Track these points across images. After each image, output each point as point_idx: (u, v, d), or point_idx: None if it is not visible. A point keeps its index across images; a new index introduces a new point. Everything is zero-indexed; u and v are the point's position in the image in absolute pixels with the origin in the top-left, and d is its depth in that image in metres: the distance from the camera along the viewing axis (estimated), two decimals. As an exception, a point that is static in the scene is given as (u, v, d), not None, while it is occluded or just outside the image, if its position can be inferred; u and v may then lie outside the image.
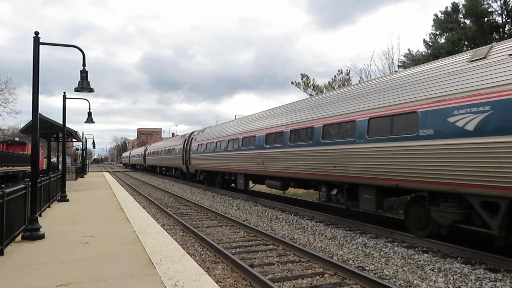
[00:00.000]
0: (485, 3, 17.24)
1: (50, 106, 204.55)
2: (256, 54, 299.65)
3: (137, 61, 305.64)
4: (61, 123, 16.52)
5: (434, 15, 19.44)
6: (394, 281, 6.61)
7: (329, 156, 11.67)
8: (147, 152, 54.04)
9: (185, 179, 33.17)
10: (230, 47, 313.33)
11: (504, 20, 17.40)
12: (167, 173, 43.03)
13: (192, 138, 28.90)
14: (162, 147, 42.62)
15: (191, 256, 7.25)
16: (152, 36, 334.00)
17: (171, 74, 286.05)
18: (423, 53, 19.75)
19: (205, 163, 24.84)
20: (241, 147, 18.28)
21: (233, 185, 23.43)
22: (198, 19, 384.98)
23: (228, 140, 20.29)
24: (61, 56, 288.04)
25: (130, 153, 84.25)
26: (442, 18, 18.93)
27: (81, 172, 38.33)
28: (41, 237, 7.92)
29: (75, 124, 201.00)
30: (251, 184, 19.78)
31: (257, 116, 18.47)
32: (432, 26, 19.69)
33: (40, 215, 10.39)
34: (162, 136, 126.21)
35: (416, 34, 73.02)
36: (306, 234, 10.67)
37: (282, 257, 8.30)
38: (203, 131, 27.10)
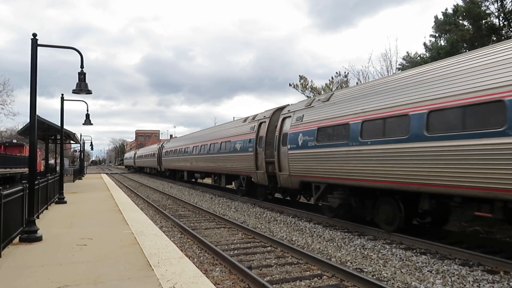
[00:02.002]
0: (483, 5, 17.29)
1: (50, 108, 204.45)
2: (257, 56, 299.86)
3: (137, 63, 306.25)
4: (59, 125, 16.53)
5: (435, 16, 19.47)
6: (392, 283, 6.61)
7: None
8: (163, 151, 40.02)
9: (252, 195, 18.53)
10: (230, 49, 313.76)
11: (501, 23, 17.45)
12: (196, 180, 30.80)
13: (286, 118, 14.83)
14: (197, 142, 27.58)
15: (189, 258, 7.24)
16: (153, 38, 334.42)
17: (171, 76, 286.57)
18: (421, 55, 19.80)
19: (356, 168, 10.57)
20: None
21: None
22: (199, 21, 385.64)
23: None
24: (62, 58, 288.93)
25: (135, 153, 67.49)
26: (442, 19, 18.96)
27: (79, 174, 38.32)
28: (39, 239, 7.89)
29: (74, 125, 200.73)
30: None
31: None
32: (433, 27, 19.74)
33: (37, 217, 10.36)
34: (160, 138, 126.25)
35: (415, 36, 73.34)
36: (304, 236, 10.66)
37: (280, 259, 8.29)
38: (328, 99, 12.67)
